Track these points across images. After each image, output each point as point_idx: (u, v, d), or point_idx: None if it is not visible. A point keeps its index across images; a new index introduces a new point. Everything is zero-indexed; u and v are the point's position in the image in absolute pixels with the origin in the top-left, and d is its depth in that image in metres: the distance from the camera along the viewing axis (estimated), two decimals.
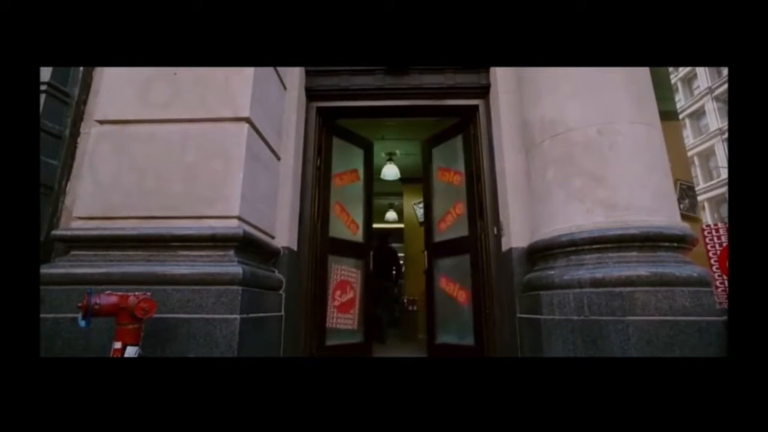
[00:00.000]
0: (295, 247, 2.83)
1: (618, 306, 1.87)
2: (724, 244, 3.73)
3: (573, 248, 2.13)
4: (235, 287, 1.89)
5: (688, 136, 19.72)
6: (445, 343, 3.26)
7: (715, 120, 19.00)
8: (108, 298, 1.49)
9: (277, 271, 2.56)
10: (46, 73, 2.50)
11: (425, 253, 3.64)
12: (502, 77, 2.90)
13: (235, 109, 2.18)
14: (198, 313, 1.84)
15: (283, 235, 2.67)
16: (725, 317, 1.81)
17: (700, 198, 14.25)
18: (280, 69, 2.77)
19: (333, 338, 3.13)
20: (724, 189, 16.64)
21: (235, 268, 1.92)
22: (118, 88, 2.22)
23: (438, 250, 3.52)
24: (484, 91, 3.12)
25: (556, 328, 2.03)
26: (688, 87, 20.87)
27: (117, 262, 1.99)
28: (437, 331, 3.37)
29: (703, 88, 19.60)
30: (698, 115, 20.29)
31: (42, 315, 1.77)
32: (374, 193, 4.00)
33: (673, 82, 15.64)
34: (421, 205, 4.96)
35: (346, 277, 3.38)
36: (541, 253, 2.32)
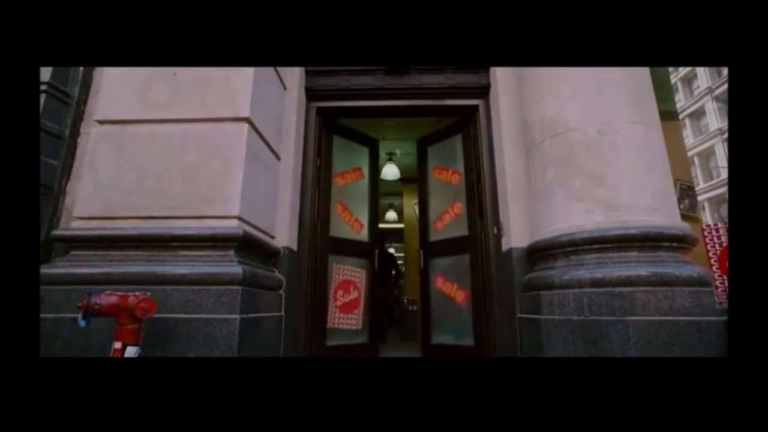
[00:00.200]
0: (295, 247, 2.83)
1: (618, 306, 1.87)
2: (724, 244, 3.73)
3: (573, 248, 2.13)
4: (235, 287, 1.89)
5: (688, 136, 19.72)
6: (441, 344, 3.24)
7: (715, 120, 19.00)
8: (108, 298, 1.49)
9: (277, 271, 2.56)
10: (46, 73, 2.50)
11: (420, 252, 3.61)
12: (502, 77, 2.90)
13: (235, 109, 2.18)
14: (198, 313, 1.84)
15: (283, 235, 2.67)
16: (725, 317, 1.81)
17: (700, 198, 14.25)
18: (280, 69, 2.77)
19: (335, 338, 3.12)
20: (724, 189, 16.64)
21: (235, 268, 1.92)
22: (118, 88, 2.22)
23: (434, 249, 3.49)
24: (484, 91, 3.13)
25: (556, 328, 2.03)
26: (688, 87, 20.88)
27: (117, 262, 1.99)
28: (432, 332, 3.35)
29: (703, 88, 19.60)
30: (698, 115, 20.29)
31: (42, 315, 1.77)
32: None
33: (673, 82, 15.64)
34: None
35: (349, 277, 3.35)
36: (541, 253, 2.32)
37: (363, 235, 3.56)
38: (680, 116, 15.16)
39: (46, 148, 2.45)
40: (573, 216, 2.16)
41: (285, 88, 2.89)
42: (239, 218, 2.05)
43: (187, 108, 2.18)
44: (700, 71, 19.72)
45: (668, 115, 3.75)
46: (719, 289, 3.40)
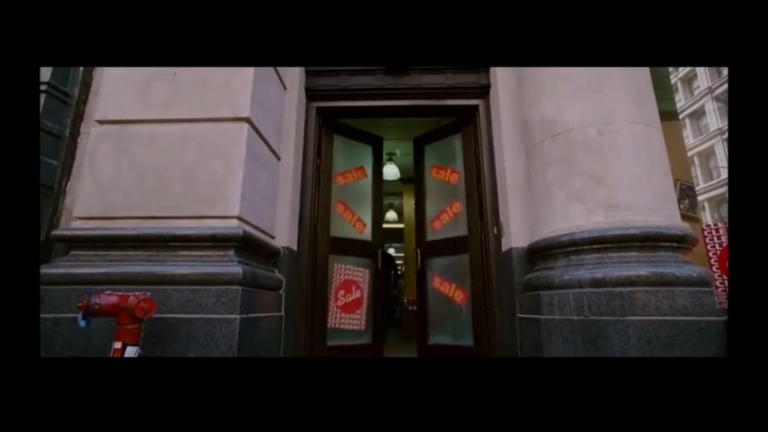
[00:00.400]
0: (295, 247, 2.83)
1: (618, 306, 1.87)
2: (724, 244, 3.73)
3: (573, 248, 2.13)
4: (235, 287, 1.89)
5: (688, 136, 19.72)
6: (438, 344, 3.22)
7: (715, 120, 19.00)
8: (108, 298, 1.49)
9: (277, 271, 2.56)
10: (46, 73, 2.50)
11: (417, 251, 3.56)
12: (502, 77, 2.90)
13: (235, 109, 2.18)
14: (198, 313, 1.84)
15: (283, 235, 2.67)
16: (725, 317, 1.81)
17: (700, 198, 14.25)
18: (280, 69, 2.77)
19: (337, 339, 3.11)
20: (724, 189, 16.65)
21: (235, 268, 1.92)
22: (118, 88, 2.22)
23: (432, 249, 3.46)
24: (484, 91, 3.13)
25: (556, 328, 2.03)
26: (688, 87, 20.88)
27: (117, 262, 1.99)
28: (430, 332, 3.31)
29: (703, 88, 19.60)
30: (698, 115, 20.29)
31: (42, 315, 1.77)
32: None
33: (673, 82, 15.64)
34: None
35: (351, 277, 3.32)
36: (541, 253, 2.32)
37: (366, 234, 3.53)
38: (680, 116, 15.16)
39: (46, 148, 2.45)
40: (573, 216, 2.16)
41: (285, 88, 2.89)
42: (239, 218, 2.05)
43: (187, 108, 2.18)
44: (700, 71, 19.72)
45: (668, 115, 3.75)
46: (719, 289, 3.40)
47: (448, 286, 3.26)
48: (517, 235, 2.58)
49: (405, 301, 6.28)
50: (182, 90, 2.20)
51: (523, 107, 2.65)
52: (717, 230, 3.86)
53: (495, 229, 2.88)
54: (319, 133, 3.24)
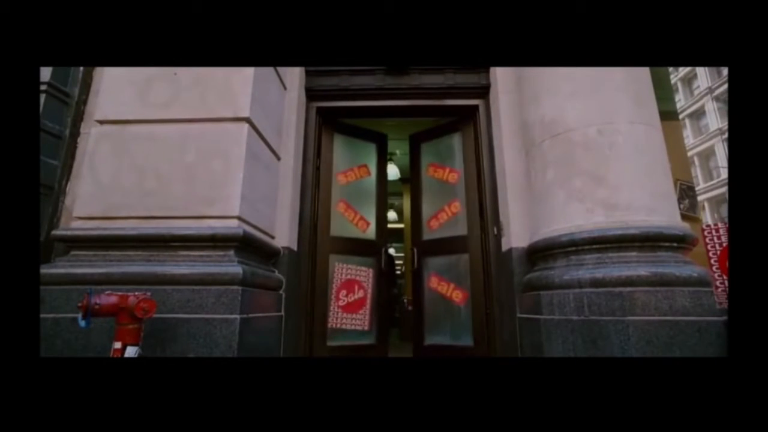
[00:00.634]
0: (295, 247, 2.83)
1: (618, 306, 1.87)
2: (724, 244, 3.72)
3: (573, 248, 2.13)
4: (235, 287, 1.89)
5: (688, 136, 19.72)
6: (436, 344, 3.19)
7: (715, 120, 19.00)
8: (108, 298, 1.49)
9: (277, 271, 2.56)
10: (46, 73, 2.50)
11: (414, 250, 3.50)
12: (502, 77, 2.90)
13: (235, 109, 2.18)
14: (198, 313, 1.84)
15: (283, 235, 2.67)
16: (725, 317, 1.81)
17: (700, 198, 14.26)
18: (280, 69, 2.77)
19: (338, 339, 3.09)
20: (724, 189, 16.64)
21: (235, 268, 1.92)
22: (118, 88, 2.22)
23: (429, 248, 3.42)
24: (484, 91, 3.13)
25: (556, 328, 2.03)
26: (688, 87, 20.87)
27: (117, 262, 1.99)
28: (426, 332, 3.28)
29: (703, 88, 19.60)
30: (698, 115, 20.29)
31: (42, 315, 1.77)
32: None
33: (673, 82, 15.64)
34: None
35: (353, 277, 3.29)
36: (541, 253, 2.32)
37: (369, 233, 3.48)
38: (680, 116, 15.16)
39: (46, 148, 2.45)
40: (573, 216, 2.16)
41: (285, 88, 2.89)
42: (239, 218, 2.05)
43: (187, 108, 2.18)
44: (700, 71, 19.72)
45: (668, 115, 3.75)
46: (719, 289, 3.40)
47: (446, 286, 3.24)
48: (517, 235, 2.58)
49: (405, 301, 6.28)
50: (182, 90, 2.20)
51: (523, 107, 2.65)
52: (717, 230, 3.86)
53: (495, 229, 2.88)
54: (319, 132, 3.24)
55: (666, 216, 2.07)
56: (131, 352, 1.49)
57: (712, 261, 3.74)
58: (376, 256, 3.45)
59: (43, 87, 2.46)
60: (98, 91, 2.35)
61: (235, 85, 2.21)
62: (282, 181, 2.75)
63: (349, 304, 3.23)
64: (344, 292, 3.22)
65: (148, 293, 1.58)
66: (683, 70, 20.36)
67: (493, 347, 2.76)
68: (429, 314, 3.31)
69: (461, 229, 3.21)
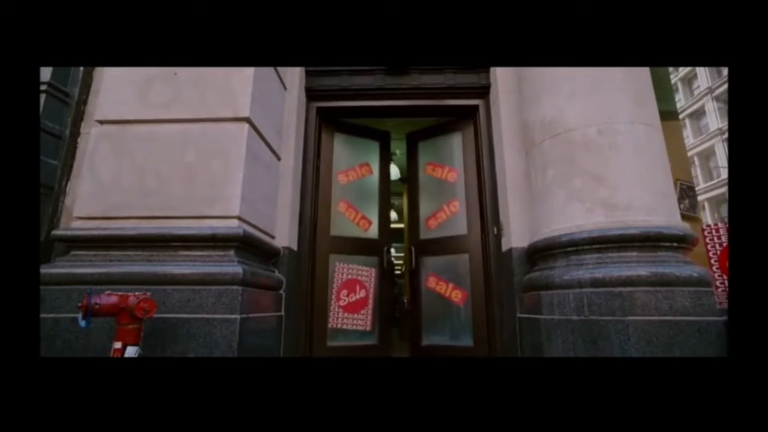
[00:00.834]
0: (295, 247, 2.83)
1: (618, 306, 1.87)
2: (724, 244, 3.72)
3: (573, 248, 2.13)
4: (235, 287, 1.89)
5: (688, 136, 19.72)
6: (434, 345, 3.17)
7: (715, 120, 19.01)
8: (108, 298, 1.49)
9: (277, 271, 2.56)
10: (46, 73, 2.50)
11: (412, 249, 3.47)
12: (502, 77, 2.90)
13: (235, 109, 2.18)
14: (198, 313, 1.84)
15: (284, 235, 2.67)
16: (725, 317, 1.81)
17: (700, 198, 14.26)
18: (280, 69, 2.77)
19: (339, 339, 3.09)
20: (724, 189, 16.65)
21: (235, 268, 1.92)
22: (118, 88, 2.22)
23: (427, 247, 3.40)
24: (484, 91, 3.13)
25: (556, 328, 2.03)
26: (688, 87, 20.87)
27: (117, 262, 1.99)
28: (424, 332, 3.26)
29: (703, 88, 19.60)
30: (698, 115, 20.29)
31: (42, 315, 1.77)
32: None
33: (673, 82, 15.65)
34: None
35: (354, 276, 3.26)
36: (541, 253, 2.32)
37: (371, 232, 3.45)
38: (680, 116, 15.16)
39: (46, 148, 2.45)
40: (573, 216, 2.16)
41: (285, 88, 2.89)
42: (239, 218, 2.05)
43: (188, 108, 2.18)
44: (700, 71, 19.72)
45: (668, 115, 3.74)
46: (719, 289, 3.40)
47: (444, 286, 3.22)
48: (517, 234, 2.58)
49: (404, 300, 6.28)
50: (182, 90, 2.20)
51: (523, 107, 2.65)
52: (717, 230, 3.86)
53: (495, 229, 2.88)
54: (319, 132, 3.24)
55: (666, 216, 2.07)
56: (131, 352, 1.49)
57: (712, 261, 3.74)
58: (378, 255, 3.42)
59: (43, 87, 2.46)
60: (98, 91, 2.36)
61: (235, 85, 2.21)
62: (282, 181, 2.75)
63: (351, 304, 3.21)
64: (345, 292, 3.21)
65: (148, 293, 1.58)
66: (683, 70, 20.36)
67: (493, 347, 2.76)
68: (427, 314, 3.30)
69: (461, 229, 3.20)
